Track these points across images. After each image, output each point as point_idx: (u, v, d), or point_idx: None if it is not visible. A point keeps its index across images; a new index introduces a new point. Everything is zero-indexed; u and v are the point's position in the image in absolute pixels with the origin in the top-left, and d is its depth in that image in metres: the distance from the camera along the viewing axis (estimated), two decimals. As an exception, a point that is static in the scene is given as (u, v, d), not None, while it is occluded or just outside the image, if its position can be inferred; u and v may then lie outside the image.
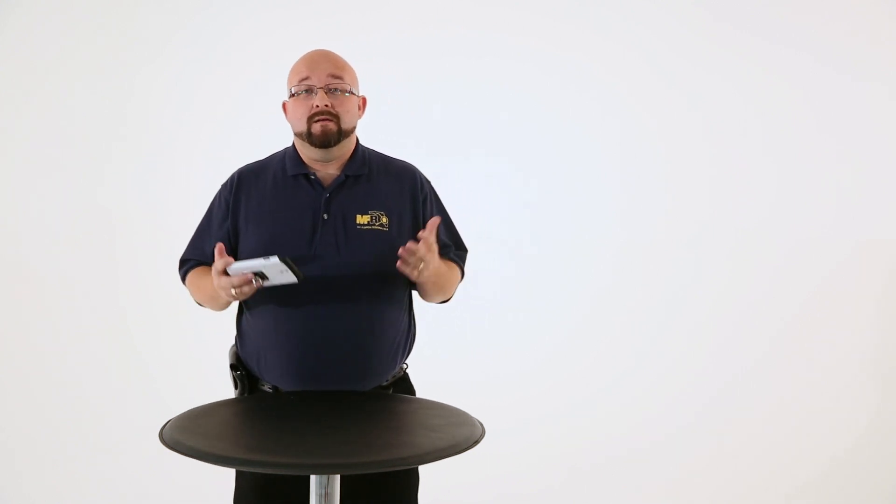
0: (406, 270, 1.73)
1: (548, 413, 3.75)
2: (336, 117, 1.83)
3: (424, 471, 1.89)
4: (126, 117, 4.10)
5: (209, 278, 1.75)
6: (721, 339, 3.95)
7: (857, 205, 3.94)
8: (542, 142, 4.12)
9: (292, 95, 1.85)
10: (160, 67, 4.10)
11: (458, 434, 1.48)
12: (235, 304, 1.94)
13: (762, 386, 3.84)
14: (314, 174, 1.88)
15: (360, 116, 1.92)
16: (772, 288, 3.97)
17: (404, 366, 1.97)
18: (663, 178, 4.07)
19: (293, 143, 1.93)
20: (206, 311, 2.01)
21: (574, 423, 3.71)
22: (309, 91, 1.83)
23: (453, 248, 1.99)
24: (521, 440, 3.54)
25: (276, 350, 1.81)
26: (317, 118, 1.82)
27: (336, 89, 1.84)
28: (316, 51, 1.89)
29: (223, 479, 1.98)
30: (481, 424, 1.56)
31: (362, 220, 1.84)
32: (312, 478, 1.52)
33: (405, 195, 1.91)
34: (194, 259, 1.95)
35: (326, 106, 1.82)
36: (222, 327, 2.17)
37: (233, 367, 1.90)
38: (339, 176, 1.88)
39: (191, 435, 1.45)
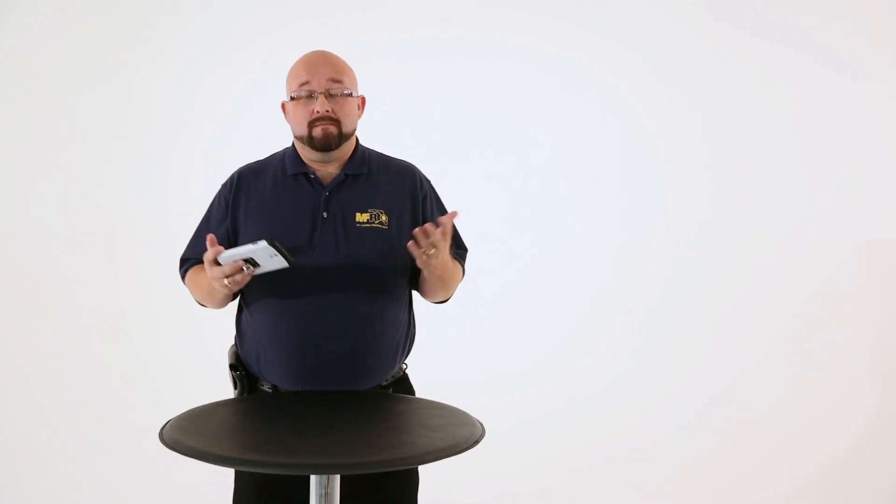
0: (416, 253, 1.72)
1: (548, 413, 3.75)
2: (337, 121, 1.83)
3: (424, 471, 1.88)
4: (126, 117, 4.10)
5: (207, 275, 1.75)
6: (721, 339, 3.95)
7: (857, 205, 3.94)
8: (542, 142, 4.12)
9: (292, 99, 1.85)
10: (160, 67, 4.10)
11: (458, 434, 1.48)
12: (235, 304, 1.94)
13: (762, 386, 3.84)
14: (314, 173, 1.88)
15: (359, 116, 1.93)
16: (772, 288, 3.97)
17: (404, 366, 1.97)
18: (663, 178, 4.07)
19: (293, 144, 1.94)
20: (206, 311, 2.01)
21: (574, 423, 3.71)
22: (309, 96, 1.83)
23: (454, 247, 1.99)
24: (521, 440, 3.54)
25: (276, 348, 1.82)
26: (317, 123, 1.82)
27: (336, 93, 1.84)
28: (315, 53, 1.89)
29: (223, 479, 1.98)
30: (481, 424, 1.56)
31: (362, 218, 1.84)
32: (312, 478, 1.52)
33: (405, 194, 1.92)
34: (194, 258, 1.95)
35: (328, 111, 1.82)
36: (222, 327, 2.17)
37: (232, 367, 1.90)
38: (338, 175, 1.88)
39: (191, 435, 1.45)
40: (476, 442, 1.47)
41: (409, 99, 3.98)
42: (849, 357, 3.89)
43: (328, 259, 1.79)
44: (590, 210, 4.09)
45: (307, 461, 1.38)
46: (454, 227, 2.02)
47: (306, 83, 1.83)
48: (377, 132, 2.27)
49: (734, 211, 4.02)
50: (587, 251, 4.05)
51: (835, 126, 3.96)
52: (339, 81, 1.84)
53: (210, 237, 1.70)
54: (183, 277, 1.97)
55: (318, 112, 1.82)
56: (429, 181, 2.00)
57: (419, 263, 1.76)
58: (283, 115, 1.93)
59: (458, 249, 2.01)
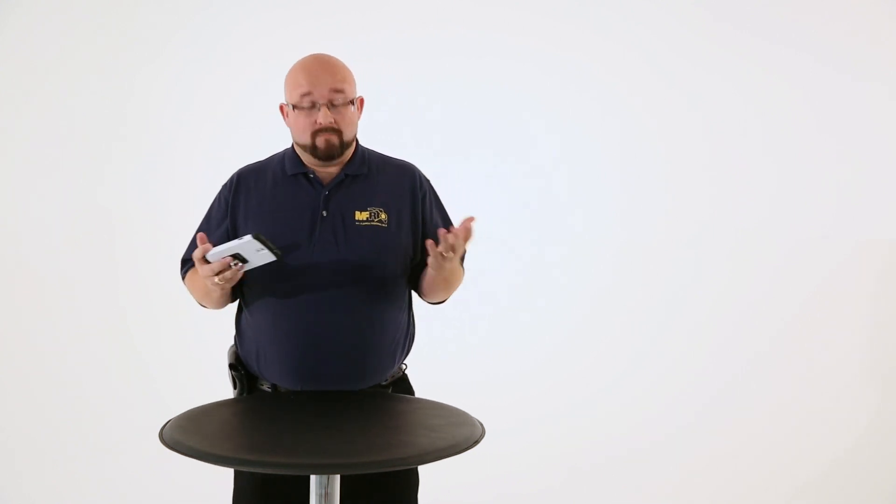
0: (433, 252, 1.72)
1: (548, 413, 3.75)
2: (339, 132, 1.83)
3: (424, 471, 1.88)
4: (126, 117, 4.10)
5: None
6: (721, 339, 3.95)
7: (857, 205, 3.94)
8: (542, 142, 4.12)
9: (294, 108, 1.85)
10: (160, 67, 4.10)
11: (458, 434, 1.48)
12: (235, 304, 1.94)
13: (762, 386, 3.84)
14: (313, 173, 1.88)
15: (358, 117, 1.92)
16: (772, 288, 3.97)
17: (403, 366, 1.97)
18: (663, 178, 4.07)
19: (293, 145, 1.93)
20: (206, 311, 2.01)
21: (574, 423, 3.71)
22: (312, 106, 1.82)
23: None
24: (521, 440, 3.53)
25: (276, 347, 1.82)
26: (320, 133, 1.82)
27: (339, 103, 1.83)
28: (315, 60, 1.87)
29: (223, 479, 1.98)
30: (481, 424, 1.56)
31: (361, 216, 1.84)
32: (312, 478, 1.52)
33: (404, 193, 1.91)
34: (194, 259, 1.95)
35: (330, 123, 1.82)
36: (222, 327, 2.17)
37: (232, 367, 1.90)
38: (338, 174, 1.88)
39: (190, 435, 1.45)
40: (476, 442, 1.47)
41: (409, 99, 3.98)
42: (849, 357, 3.89)
43: (328, 258, 1.80)
44: (590, 210, 4.09)
45: (307, 461, 1.38)
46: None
47: (308, 94, 1.82)
48: (377, 132, 2.27)
49: (734, 211, 4.02)
50: (587, 251, 4.05)
51: (835, 126, 3.96)
52: (340, 91, 1.84)
53: (200, 236, 1.70)
54: (183, 278, 1.98)
55: (320, 123, 1.82)
56: (428, 181, 2.00)
57: (431, 264, 1.76)
58: (281, 116, 1.92)
59: (459, 250, 2.01)
